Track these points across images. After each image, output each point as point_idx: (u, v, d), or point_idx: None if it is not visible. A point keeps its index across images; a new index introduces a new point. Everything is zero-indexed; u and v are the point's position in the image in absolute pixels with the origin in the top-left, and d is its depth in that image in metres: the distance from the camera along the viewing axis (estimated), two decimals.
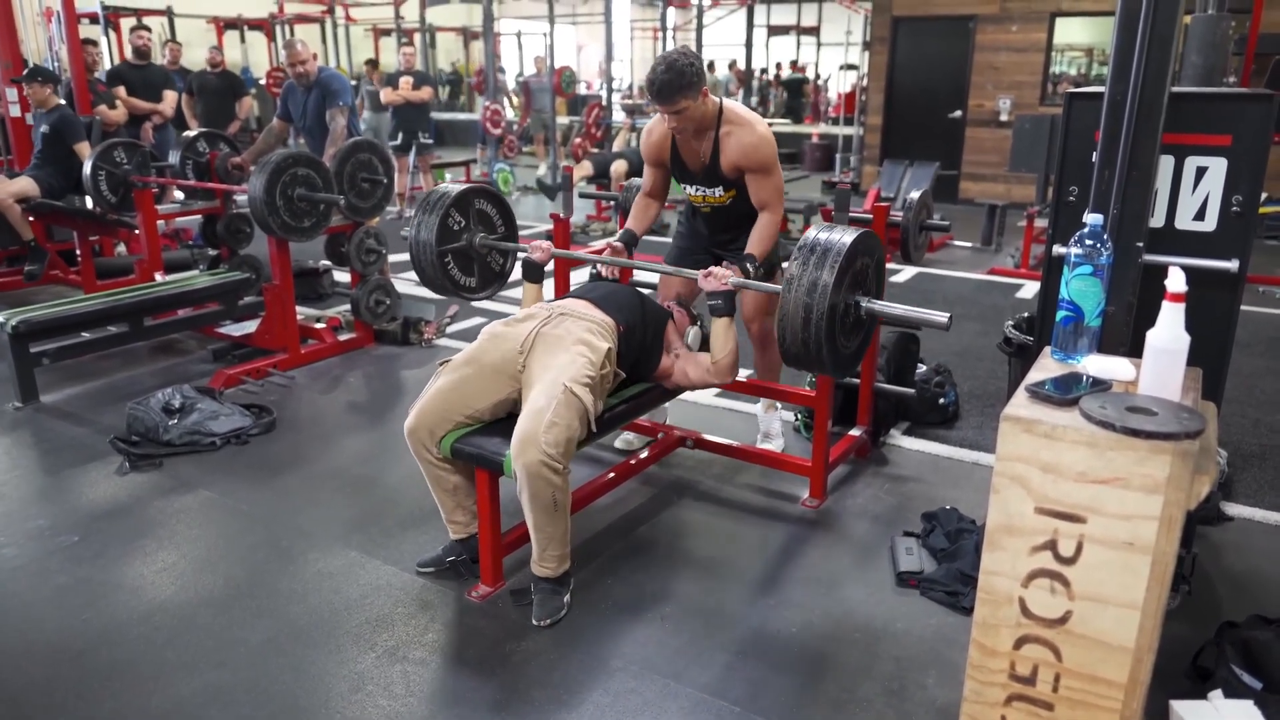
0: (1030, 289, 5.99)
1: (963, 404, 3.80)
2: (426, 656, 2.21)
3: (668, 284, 3.24)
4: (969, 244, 7.55)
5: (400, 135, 8.62)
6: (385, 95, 8.61)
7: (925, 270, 6.50)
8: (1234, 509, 2.93)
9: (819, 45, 18.80)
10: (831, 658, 2.22)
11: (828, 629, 2.33)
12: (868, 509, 2.97)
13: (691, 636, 2.28)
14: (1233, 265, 2.12)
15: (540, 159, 11.30)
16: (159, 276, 4.74)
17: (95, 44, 7.25)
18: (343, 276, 5.27)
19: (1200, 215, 2.15)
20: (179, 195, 5.59)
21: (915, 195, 5.06)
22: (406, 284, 5.40)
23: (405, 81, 8.48)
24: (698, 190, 3.00)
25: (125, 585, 2.52)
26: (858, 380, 3.30)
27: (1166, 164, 2.14)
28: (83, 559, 2.64)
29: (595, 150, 9.51)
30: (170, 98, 7.07)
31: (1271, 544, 2.76)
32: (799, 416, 3.61)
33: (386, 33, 15.92)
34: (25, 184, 5.25)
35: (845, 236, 2.24)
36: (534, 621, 2.31)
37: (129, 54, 7.45)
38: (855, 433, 3.30)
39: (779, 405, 3.47)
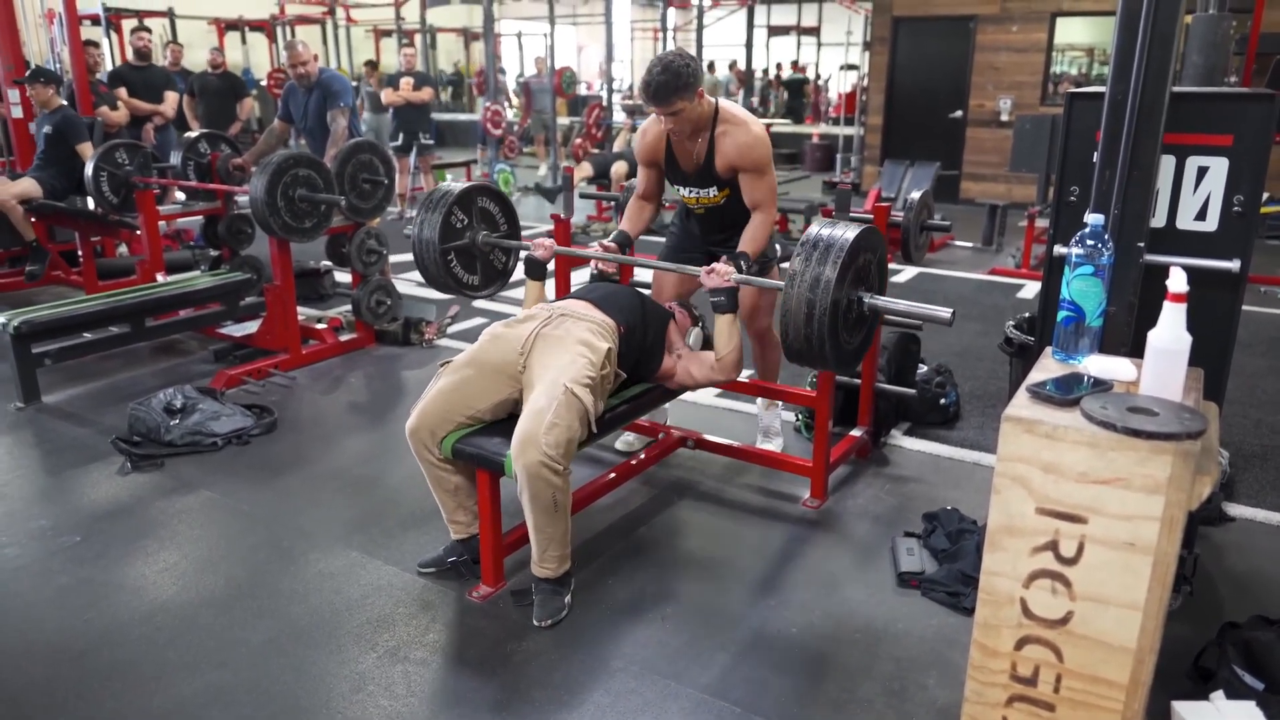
0: (1031, 289, 5.98)
1: (964, 404, 3.79)
2: (427, 657, 2.21)
3: (661, 285, 3.23)
4: (970, 244, 7.55)
5: (401, 136, 8.61)
6: (386, 96, 8.59)
7: (926, 270, 6.50)
8: (1236, 509, 2.93)
9: (819, 45, 18.82)
10: (832, 658, 2.22)
11: (828, 629, 2.33)
12: (868, 509, 2.97)
13: (692, 637, 2.28)
14: (1234, 265, 2.12)
15: (541, 159, 11.30)
16: (160, 277, 4.74)
17: (97, 45, 7.27)
18: (344, 277, 5.27)
19: (1201, 215, 2.15)
20: (180, 196, 5.59)
21: (916, 195, 5.05)
22: (407, 284, 5.41)
23: (406, 82, 8.47)
24: (691, 191, 2.99)
25: (127, 585, 2.52)
26: (858, 380, 3.31)
27: (1168, 164, 2.14)
28: (84, 559, 2.64)
29: (595, 151, 9.50)
30: (171, 99, 7.07)
31: (1273, 544, 2.76)
32: (800, 417, 3.61)
33: (387, 34, 15.92)
34: (27, 185, 5.26)
35: (848, 232, 2.24)
36: (535, 622, 2.31)
37: (130, 55, 7.44)
38: (856, 433, 3.30)
39: (779, 403, 3.47)
